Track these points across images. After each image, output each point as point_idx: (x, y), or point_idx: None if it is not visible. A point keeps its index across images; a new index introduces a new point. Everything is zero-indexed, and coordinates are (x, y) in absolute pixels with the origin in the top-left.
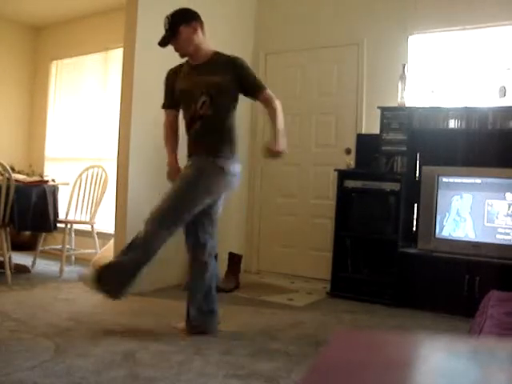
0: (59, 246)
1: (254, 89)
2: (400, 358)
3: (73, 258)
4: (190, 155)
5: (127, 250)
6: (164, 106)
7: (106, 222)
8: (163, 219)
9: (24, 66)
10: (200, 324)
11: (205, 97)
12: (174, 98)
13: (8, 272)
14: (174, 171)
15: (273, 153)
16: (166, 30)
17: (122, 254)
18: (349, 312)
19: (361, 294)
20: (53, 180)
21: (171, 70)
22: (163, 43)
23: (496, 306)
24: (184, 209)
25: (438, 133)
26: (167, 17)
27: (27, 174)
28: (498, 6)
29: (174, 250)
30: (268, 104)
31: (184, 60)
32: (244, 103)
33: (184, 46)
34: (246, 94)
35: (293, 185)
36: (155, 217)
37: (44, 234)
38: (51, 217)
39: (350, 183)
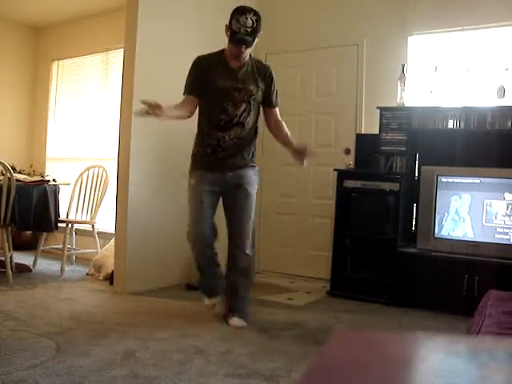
0: (60, 246)
1: (272, 103)
2: (399, 358)
3: (74, 257)
4: (223, 163)
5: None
6: (188, 92)
7: (106, 222)
8: (252, 242)
9: (25, 66)
10: None
11: (245, 105)
12: (199, 87)
13: (9, 271)
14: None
15: (305, 154)
16: (250, 34)
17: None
18: (348, 311)
19: (360, 294)
20: (54, 180)
21: (203, 58)
22: (247, 45)
23: (494, 305)
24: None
25: (437, 133)
26: (256, 19)
27: (28, 174)
28: (497, 6)
29: (174, 250)
30: (278, 120)
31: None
32: None
33: (247, 52)
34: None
35: (293, 185)
36: (249, 243)
37: (45, 234)
38: (52, 216)
39: (349, 183)
